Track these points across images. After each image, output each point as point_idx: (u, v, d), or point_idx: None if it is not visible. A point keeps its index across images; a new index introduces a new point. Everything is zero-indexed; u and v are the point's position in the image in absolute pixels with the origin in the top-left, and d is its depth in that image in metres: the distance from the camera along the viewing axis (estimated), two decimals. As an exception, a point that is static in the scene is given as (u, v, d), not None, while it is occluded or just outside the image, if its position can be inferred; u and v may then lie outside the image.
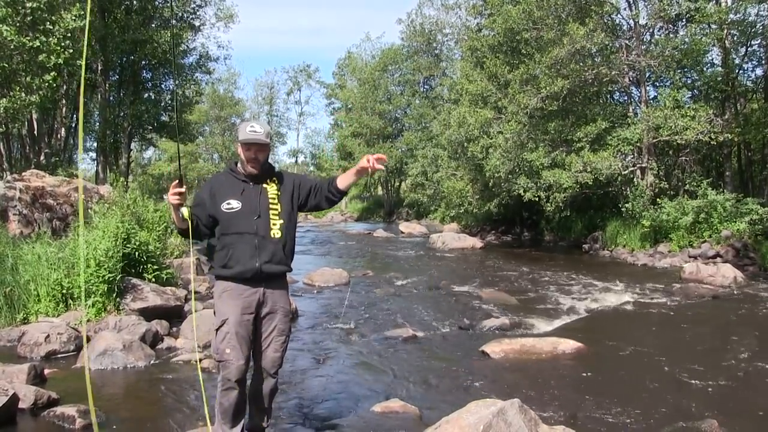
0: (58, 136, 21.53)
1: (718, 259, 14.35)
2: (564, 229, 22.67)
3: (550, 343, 7.02)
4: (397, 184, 48.50)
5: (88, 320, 7.19)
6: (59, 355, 6.45)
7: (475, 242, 21.52)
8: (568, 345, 6.94)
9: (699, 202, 15.63)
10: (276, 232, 3.91)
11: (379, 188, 51.56)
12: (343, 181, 4.08)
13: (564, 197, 17.54)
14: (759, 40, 17.55)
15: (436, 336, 7.90)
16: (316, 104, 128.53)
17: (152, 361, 6.35)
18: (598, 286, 11.80)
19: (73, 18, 15.79)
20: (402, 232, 28.66)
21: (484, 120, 20.85)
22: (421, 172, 35.49)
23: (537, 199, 18.41)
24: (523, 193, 18.71)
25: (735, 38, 17.79)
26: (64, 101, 21.05)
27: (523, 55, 19.83)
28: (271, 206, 3.94)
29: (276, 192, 4.00)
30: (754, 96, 19.12)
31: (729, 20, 16.53)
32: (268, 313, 3.95)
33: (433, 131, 33.17)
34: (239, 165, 4.02)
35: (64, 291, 7.49)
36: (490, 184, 21.51)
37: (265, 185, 3.98)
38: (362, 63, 50.05)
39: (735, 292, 11.15)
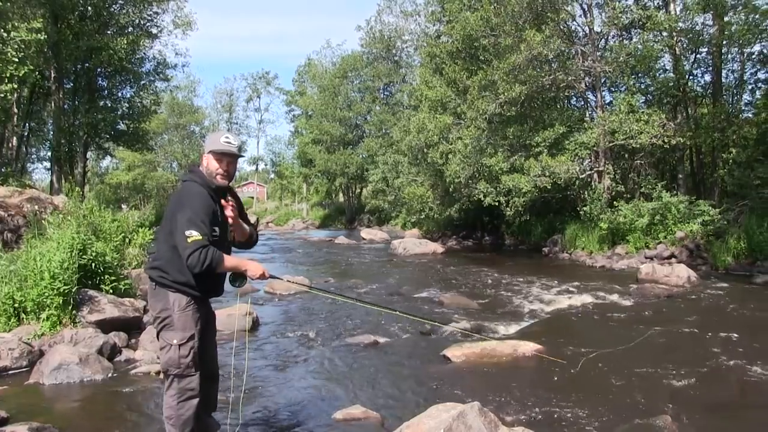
0: (10, 145, 21.05)
1: (673, 260, 14.70)
2: (524, 233, 22.96)
3: (510, 346, 7.08)
4: (359, 190, 48.58)
5: (43, 334, 7.00)
6: (10, 372, 6.25)
7: (437, 247, 21.65)
8: (528, 348, 7.00)
9: (654, 205, 16.01)
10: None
11: (341, 195, 51.60)
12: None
13: (523, 201, 17.77)
14: (706, 48, 18.11)
15: (397, 342, 7.91)
16: (276, 111, 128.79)
17: (110, 374, 6.22)
18: (558, 289, 11.96)
19: (28, 31, 15.47)
20: (364, 239, 28.69)
21: (444, 126, 21.04)
22: (381, 178, 35.64)
23: (497, 203, 18.61)
24: (483, 198, 18.91)
25: (684, 45, 18.31)
26: (15, 110, 20.58)
27: (482, 61, 20.06)
28: (231, 230, 4.00)
29: (232, 214, 3.96)
30: (704, 101, 19.69)
31: (678, 28, 17.03)
32: (210, 321, 4.04)
33: (393, 137, 33.36)
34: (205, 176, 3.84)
35: (17, 305, 7.27)
36: (451, 189, 21.69)
37: (224, 203, 3.90)
38: (322, 70, 50.07)
39: (689, 291, 11.42)
